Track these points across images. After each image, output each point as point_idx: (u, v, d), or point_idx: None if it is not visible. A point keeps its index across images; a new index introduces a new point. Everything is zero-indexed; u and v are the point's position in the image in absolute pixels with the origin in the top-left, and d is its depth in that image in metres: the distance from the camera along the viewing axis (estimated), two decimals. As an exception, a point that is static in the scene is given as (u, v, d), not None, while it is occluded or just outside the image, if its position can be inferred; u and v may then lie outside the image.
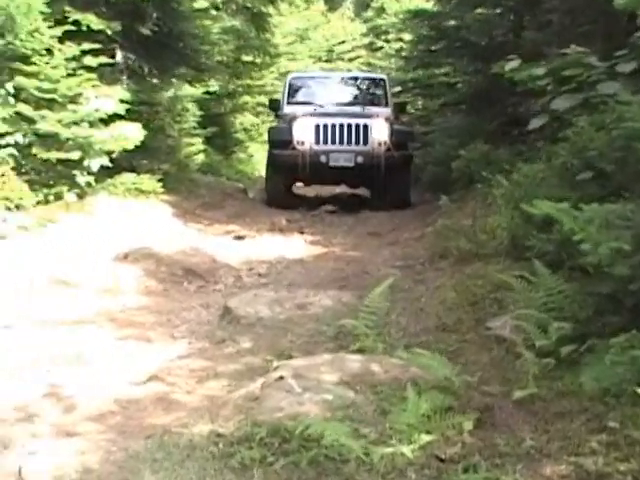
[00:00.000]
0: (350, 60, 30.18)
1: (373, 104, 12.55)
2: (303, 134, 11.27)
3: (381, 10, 25.35)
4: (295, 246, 8.26)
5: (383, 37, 24.76)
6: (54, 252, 6.82)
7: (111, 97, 9.01)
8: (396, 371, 3.81)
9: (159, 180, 9.86)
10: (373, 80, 13.69)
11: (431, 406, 3.30)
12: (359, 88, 13.54)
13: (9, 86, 7.87)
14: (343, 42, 31.12)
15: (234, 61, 16.75)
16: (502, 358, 4.26)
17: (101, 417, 3.82)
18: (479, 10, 12.19)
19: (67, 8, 8.70)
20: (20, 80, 8.01)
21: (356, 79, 14.08)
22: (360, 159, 11.15)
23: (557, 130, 5.17)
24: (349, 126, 11.31)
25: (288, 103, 12.64)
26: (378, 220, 10.20)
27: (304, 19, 31.01)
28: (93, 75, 8.57)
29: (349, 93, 13.33)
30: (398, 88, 15.73)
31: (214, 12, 15.21)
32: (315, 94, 12.92)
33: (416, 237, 8.35)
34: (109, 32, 9.02)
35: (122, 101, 9.02)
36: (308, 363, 3.85)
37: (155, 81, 10.72)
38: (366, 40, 28.32)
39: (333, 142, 11.25)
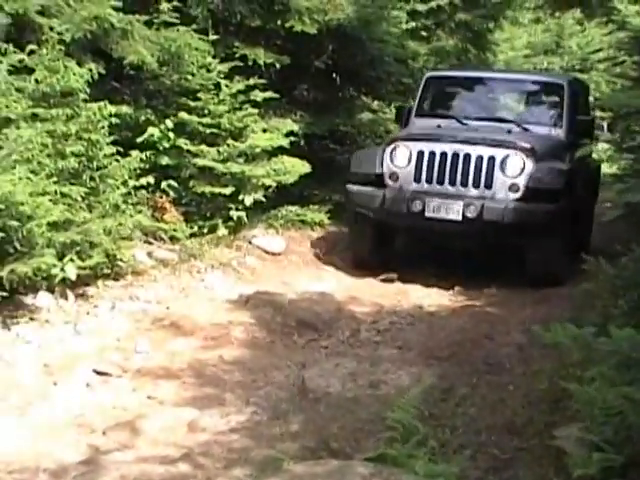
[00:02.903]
0: (604, 70, 28.73)
1: (539, 122, 8.82)
2: (399, 165, 7.92)
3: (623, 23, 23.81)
4: (440, 294, 7.91)
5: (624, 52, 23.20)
6: (179, 291, 7.00)
7: (279, 131, 9.13)
8: (396, 493, 3.50)
9: (328, 210, 9.84)
10: (545, 86, 9.43)
11: None
12: (523, 97, 9.62)
13: (168, 122, 8.17)
14: (599, 50, 29.68)
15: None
16: (547, 481, 3.81)
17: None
18: None
19: (236, 44, 8.88)
20: (183, 115, 8.30)
21: (521, 83, 9.70)
22: (472, 211, 7.61)
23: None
24: (466, 158, 7.70)
25: (418, 115, 9.10)
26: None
27: (556, 28, 29.93)
28: (255, 110, 8.68)
29: (505, 104, 9.54)
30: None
31: (424, 33, 15.05)
32: (458, 103, 9.50)
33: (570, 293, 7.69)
34: (278, 66, 9.10)
35: (288, 134, 9.10)
36: (309, 471, 3.63)
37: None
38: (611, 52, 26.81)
39: (440, 181, 7.77)
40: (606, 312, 5.72)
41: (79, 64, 7.01)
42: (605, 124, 19.77)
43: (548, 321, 6.72)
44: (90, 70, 6.95)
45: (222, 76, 8.67)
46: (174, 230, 8.10)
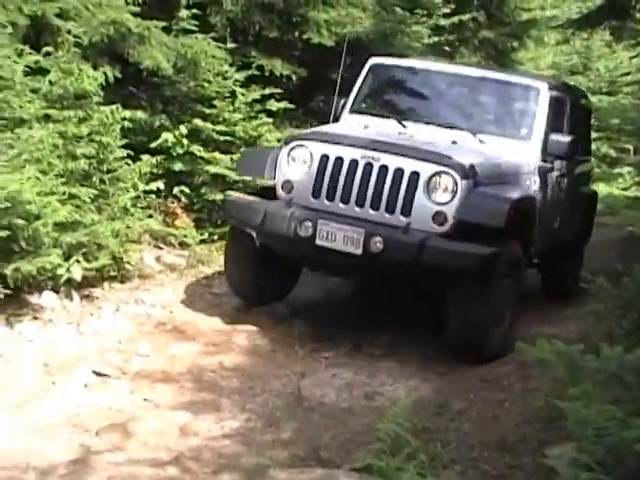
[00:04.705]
0: (629, 94, 28.63)
1: (501, 134, 6.75)
2: (296, 171, 6.12)
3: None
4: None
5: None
6: (185, 297, 7.02)
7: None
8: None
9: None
10: (516, 89, 7.10)
11: None
12: (486, 100, 7.28)
13: (183, 128, 8.21)
14: (628, 73, 29.56)
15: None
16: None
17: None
18: None
19: (253, 53, 8.94)
20: (197, 122, 8.35)
21: (485, 82, 7.18)
22: (377, 243, 5.70)
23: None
24: (382, 170, 5.84)
25: (353, 111, 7.17)
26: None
27: (584, 49, 29.87)
28: (270, 119, 8.72)
29: (461, 107, 7.18)
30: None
31: (447, 49, 15.05)
32: (404, 100, 7.39)
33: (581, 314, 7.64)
34: (294, 78, 9.15)
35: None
36: (293, 479, 3.63)
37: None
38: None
39: (345, 199, 5.92)
40: (610, 333, 5.68)
41: (95, 67, 7.09)
42: (631, 147, 19.68)
43: (561, 336, 6.72)
44: (105, 74, 7.01)
45: (238, 84, 8.72)
46: (184, 236, 8.14)
